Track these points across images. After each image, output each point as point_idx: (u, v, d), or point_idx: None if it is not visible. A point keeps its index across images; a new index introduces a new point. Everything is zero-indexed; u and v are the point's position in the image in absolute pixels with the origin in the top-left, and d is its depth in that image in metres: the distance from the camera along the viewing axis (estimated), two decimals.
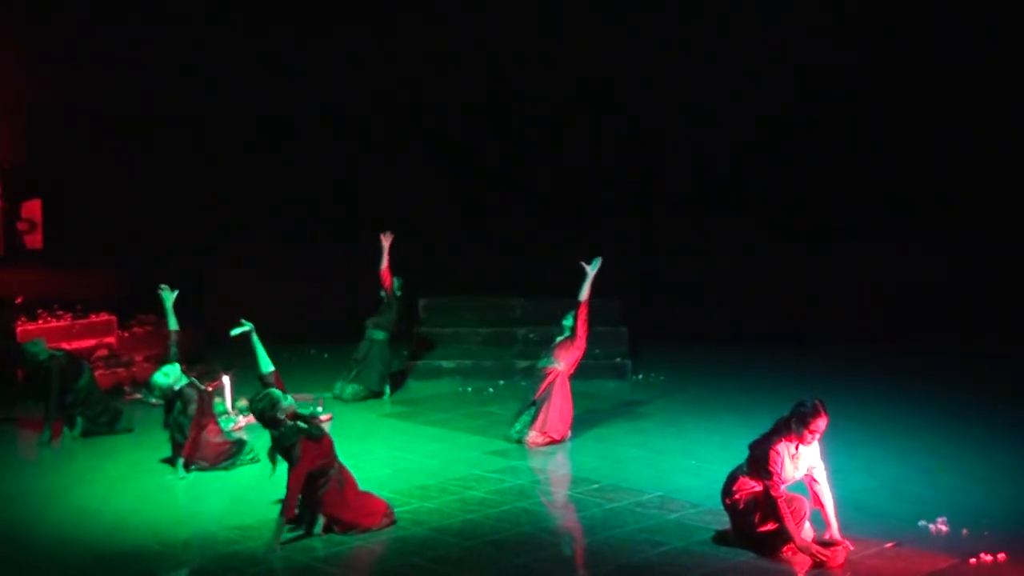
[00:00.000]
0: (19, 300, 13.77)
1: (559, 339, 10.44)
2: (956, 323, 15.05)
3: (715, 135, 16.82)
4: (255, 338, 8.30)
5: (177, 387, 9.30)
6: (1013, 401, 11.89)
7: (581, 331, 10.26)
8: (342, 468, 7.82)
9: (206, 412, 9.37)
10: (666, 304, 15.52)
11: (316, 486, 7.60)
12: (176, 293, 9.86)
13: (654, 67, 16.70)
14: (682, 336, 15.07)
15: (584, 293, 10.14)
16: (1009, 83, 16.08)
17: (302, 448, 7.49)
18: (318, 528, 7.72)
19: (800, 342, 14.73)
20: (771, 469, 7.16)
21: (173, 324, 9.78)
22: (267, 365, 8.13)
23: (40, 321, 13.14)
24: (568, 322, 10.32)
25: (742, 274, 15.94)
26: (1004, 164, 16.07)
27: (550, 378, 10.29)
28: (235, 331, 8.49)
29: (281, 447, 7.62)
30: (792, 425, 7.20)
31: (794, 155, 16.53)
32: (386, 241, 12.20)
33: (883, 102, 16.54)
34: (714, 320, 15.46)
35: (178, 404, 9.27)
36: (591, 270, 10.13)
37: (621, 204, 16.79)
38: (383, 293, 12.44)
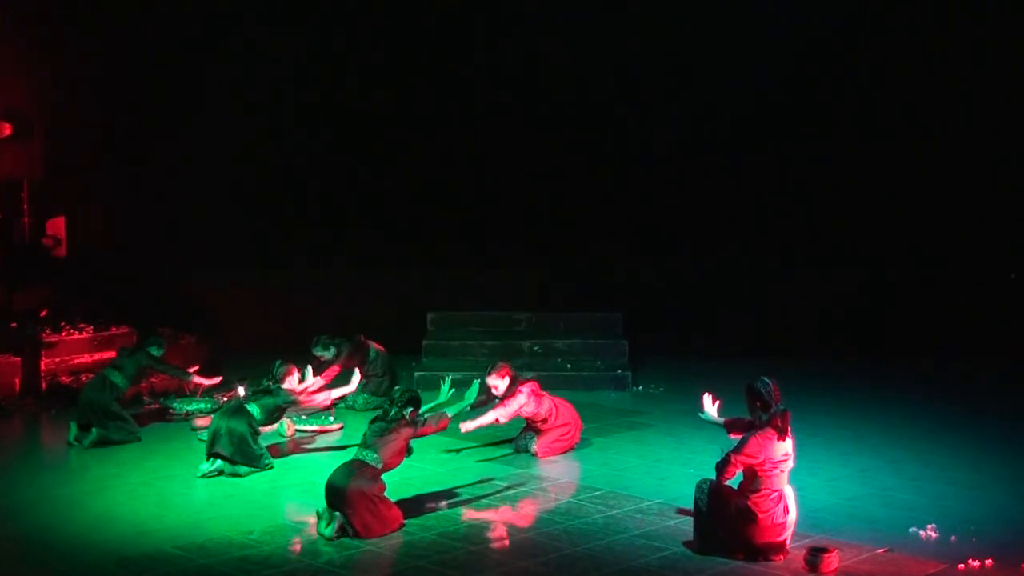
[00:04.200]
0: (44, 313, 14.07)
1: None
2: (948, 335, 15.09)
3: (715, 138, 16.30)
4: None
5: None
6: (1001, 411, 12.10)
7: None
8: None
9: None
10: (666, 317, 15.56)
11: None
12: None
13: (654, 71, 16.30)
14: (681, 348, 15.21)
15: (470, 423, 9.99)
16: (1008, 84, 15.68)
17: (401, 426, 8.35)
18: (331, 531, 7.95)
19: (799, 354, 14.78)
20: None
21: None
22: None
23: (63, 333, 13.36)
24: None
25: (741, 286, 15.90)
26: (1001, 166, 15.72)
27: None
28: None
29: (385, 424, 8.35)
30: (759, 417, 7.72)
31: (796, 162, 16.04)
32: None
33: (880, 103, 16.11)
34: (714, 333, 15.49)
35: None
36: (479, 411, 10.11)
37: (622, 217, 16.52)
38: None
